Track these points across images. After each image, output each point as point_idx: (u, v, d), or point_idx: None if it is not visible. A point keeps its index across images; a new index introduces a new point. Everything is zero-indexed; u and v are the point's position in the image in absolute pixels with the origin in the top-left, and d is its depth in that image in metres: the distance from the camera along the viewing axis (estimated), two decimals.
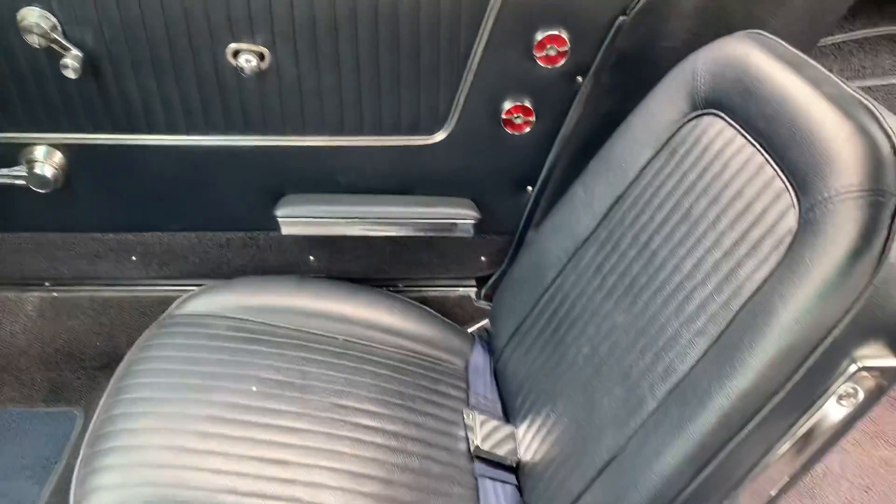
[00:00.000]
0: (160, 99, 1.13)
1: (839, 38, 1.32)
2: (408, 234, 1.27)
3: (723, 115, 0.91)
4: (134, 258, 1.31)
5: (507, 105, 1.17)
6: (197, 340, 1.09)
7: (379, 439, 1.01)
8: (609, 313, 0.96)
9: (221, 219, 1.29)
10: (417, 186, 1.26)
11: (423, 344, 1.21)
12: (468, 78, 1.14)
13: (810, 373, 0.67)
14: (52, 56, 1.05)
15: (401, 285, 1.39)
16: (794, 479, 0.73)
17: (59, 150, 1.17)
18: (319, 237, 1.31)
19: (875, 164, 0.67)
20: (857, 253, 0.64)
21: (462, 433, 1.07)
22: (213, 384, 1.02)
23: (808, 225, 0.70)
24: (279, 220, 1.24)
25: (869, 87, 1.29)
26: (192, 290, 1.20)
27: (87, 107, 1.12)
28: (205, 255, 1.32)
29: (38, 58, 1.07)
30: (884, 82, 1.25)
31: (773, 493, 0.73)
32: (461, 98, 1.16)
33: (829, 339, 0.65)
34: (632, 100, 1.05)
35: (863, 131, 0.69)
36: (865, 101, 0.72)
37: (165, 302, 1.23)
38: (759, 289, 0.73)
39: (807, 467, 0.73)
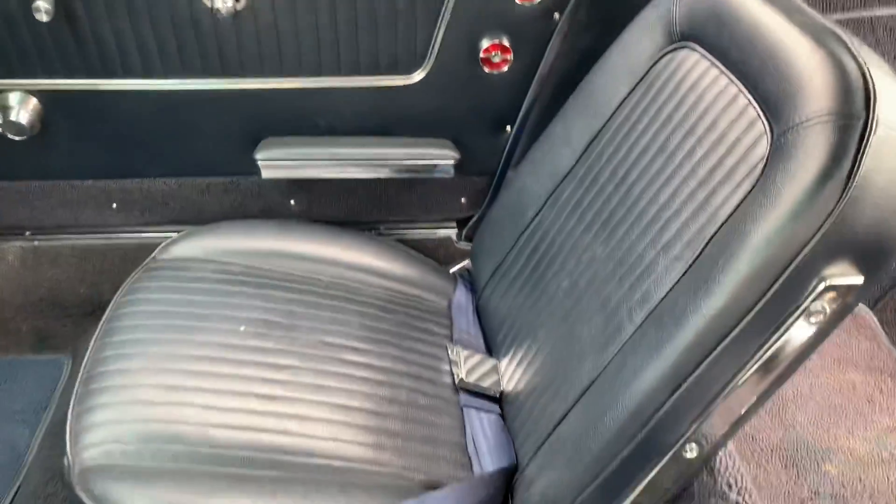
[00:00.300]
0: (135, 42, 1.11)
1: None
2: (388, 175, 1.28)
3: (698, 47, 0.92)
4: (114, 205, 1.31)
5: (485, 43, 1.17)
6: (183, 283, 1.10)
7: (366, 374, 1.04)
8: (588, 246, 0.98)
9: (201, 164, 1.29)
10: (397, 127, 1.26)
11: (405, 284, 1.23)
12: (445, 16, 1.14)
13: (781, 292, 0.70)
14: None
15: (382, 228, 1.40)
16: (763, 398, 0.77)
17: (34, 96, 1.16)
18: (300, 181, 1.32)
19: (844, 90, 0.69)
20: (826, 175, 0.67)
21: (447, 367, 1.10)
22: (201, 325, 1.03)
23: (780, 151, 0.72)
24: (259, 163, 1.24)
25: (839, 21, 1.30)
26: (174, 236, 1.21)
27: (60, 51, 1.11)
28: (185, 201, 1.32)
29: (8, 0, 1.05)
30: (855, 16, 1.26)
31: (742, 411, 0.77)
32: (438, 37, 1.16)
33: (799, 259, 0.68)
34: (609, 35, 1.06)
35: (832, 58, 0.71)
36: (835, 30, 0.74)
37: (147, 249, 1.24)
38: (732, 214, 0.75)
39: (775, 386, 0.76)
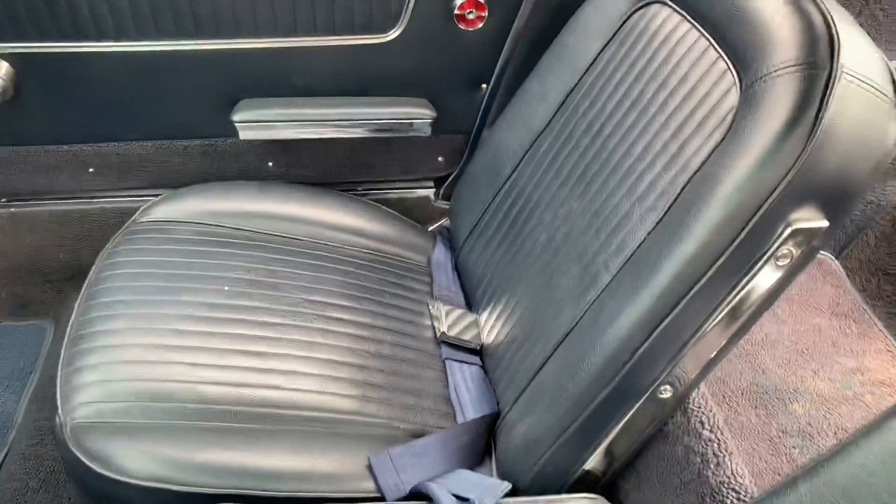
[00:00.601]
0: (108, 4, 1.10)
1: None
2: (365, 135, 1.28)
3: (669, 2, 0.94)
4: (91, 170, 1.31)
5: (460, 0, 1.18)
6: (165, 245, 1.11)
7: (350, 330, 1.06)
8: (565, 200, 1.01)
9: (178, 126, 1.28)
10: (373, 87, 1.26)
11: (385, 243, 1.25)
12: None
13: (750, 237, 0.72)
14: None
15: (360, 188, 1.41)
16: (733, 341, 0.80)
17: (5, 60, 1.14)
18: (277, 142, 1.32)
19: (809, 40, 0.71)
20: (793, 123, 0.69)
21: (428, 322, 1.13)
22: (185, 286, 1.05)
23: (749, 101, 0.75)
24: (236, 125, 1.24)
25: None
26: (154, 199, 1.21)
27: (31, 14, 1.10)
28: (163, 164, 1.32)
29: None
30: None
31: (713, 354, 0.80)
32: None
33: (767, 204, 0.71)
34: None
35: (798, 9, 0.73)
36: None
37: (126, 213, 1.24)
38: (703, 164, 0.78)
39: (744, 329, 0.80)
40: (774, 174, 0.70)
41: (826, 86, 0.68)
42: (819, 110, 0.68)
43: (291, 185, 1.29)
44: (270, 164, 1.36)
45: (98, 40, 1.14)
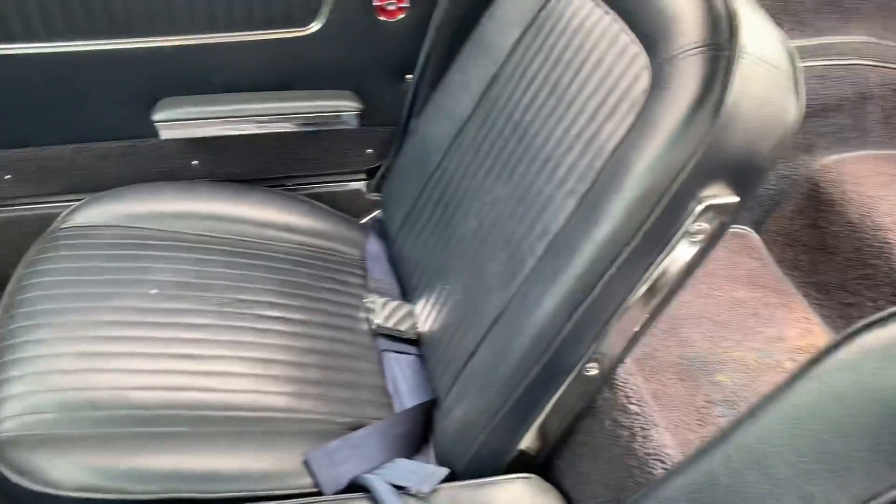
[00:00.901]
0: (14, 3, 1.07)
1: None
2: (291, 129, 1.27)
3: None
4: (8, 177, 1.26)
5: None
6: (88, 251, 1.08)
7: (283, 327, 1.05)
8: (491, 188, 1.02)
9: (97, 129, 1.25)
10: (297, 81, 1.26)
11: (317, 237, 1.24)
12: None
13: (663, 215, 0.75)
14: None
15: (290, 184, 1.40)
16: (654, 315, 0.83)
17: None
18: (202, 141, 1.30)
19: (711, 22, 0.74)
20: (699, 103, 0.72)
21: (363, 315, 1.13)
22: (111, 291, 1.03)
23: (658, 83, 0.77)
24: (157, 125, 1.22)
25: None
26: (75, 205, 1.18)
27: None
28: (83, 168, 1.28)
29: None
30: None
31: (636, 328, 0.83)
32: None
33: (678, 183, 0.73)
34: None
35: None
36: None
37: (47, 219, 1.20)
38: (617, 146, 0.80)
39: (664, 303, 0.82)
40: (683, 153, 0.72)
41: (728, 66, 0.71)
42: (723, 91, 0.71)
43: (217, 184, 1.27)
44: (195, 162, 1.33)
45: (7, 42, 1.10)
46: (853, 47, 1.29)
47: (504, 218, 0.97)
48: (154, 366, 0.95)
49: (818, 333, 1.16)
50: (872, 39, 1.29)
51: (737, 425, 0.53)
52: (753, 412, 0.52)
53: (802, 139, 1.28)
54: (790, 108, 0.73)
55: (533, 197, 0.92)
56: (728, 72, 0.71)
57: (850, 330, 0.49)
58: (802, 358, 1.11)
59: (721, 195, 0.75)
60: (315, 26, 1.20)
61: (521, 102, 1.00)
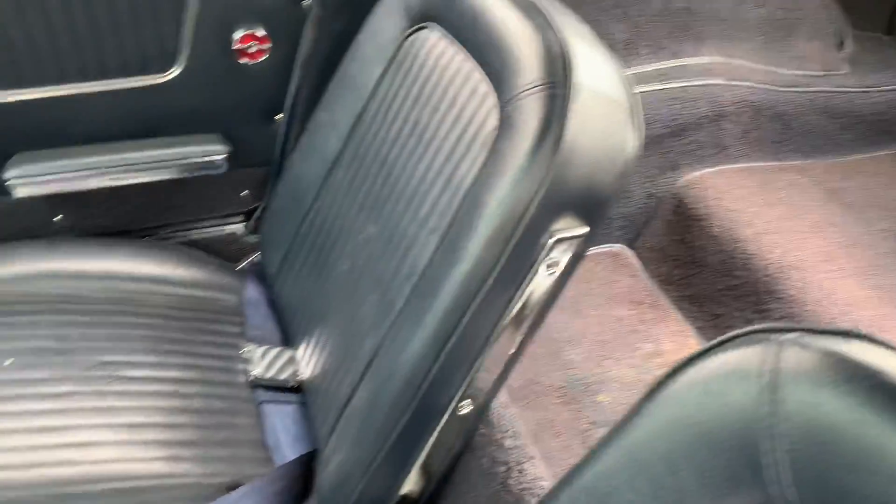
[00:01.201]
0: None
1: None
2: (158, 178, 1.23)
3: (437, 26, 0.97)
4: None
5: (239, 34, 1.15)
6: None
7: (154, 387, 1.01)
8: (362, 227, 1.01)
9: None
10: (161, 128, 1.22)
11: (191, 287, 1.20)
12: (192, 9, 1.11)
13: (517, 250, 0.76)
14: None
15: (162, 233, 1.35)
16: (522, 346, 0.84)
17: None
18: (65, 195, 1.24)
19: (547, 61, 0.75)
20: (540, 141, 0.73)
21: (241, 366, 1.09)
22: None
23: (505, 121, 0.78)
24: (9, 184, 1.15)
25: None
26: None
27: None
28: None
29: None
30: None
31: (505, 361, 0.83)
32: (188, 31, 1.12)
33: (527, 219, 0.74)
34: (359, 19, 1.08)
35: (536, 31, 0.77)
36: (537, 4, 0.81)
37: None
38: (472, 185, 0.80)
39: (531, 333, 0.83)
40: (528, 190, 0.73)
41: (564, 103, 0.72)
42: (560, 127, 0.72)
43: (82, 239, 1.21)
44: (58, 217, 1.27)
45: None
46: (706, 67, 1.36)
47: (374, 258, 0.96)
48: (9, 443, 0.89)
49: (693, 346, 1.20)
50: (721, 59, 1.36)
51: (582, 466, 0.53)
52: (596, 452, 0.53)
53: (666, 158, 1.33)
54: (629, 139, 0.76)
55: (399, 236, 0.91)
56: (564, 109, 0.72)
57: (676, 364, 0.51)
58: None
59: (570, 227, 0.77)
60: (175, 71, 1.16)
61: (387, 140, 1.00)
